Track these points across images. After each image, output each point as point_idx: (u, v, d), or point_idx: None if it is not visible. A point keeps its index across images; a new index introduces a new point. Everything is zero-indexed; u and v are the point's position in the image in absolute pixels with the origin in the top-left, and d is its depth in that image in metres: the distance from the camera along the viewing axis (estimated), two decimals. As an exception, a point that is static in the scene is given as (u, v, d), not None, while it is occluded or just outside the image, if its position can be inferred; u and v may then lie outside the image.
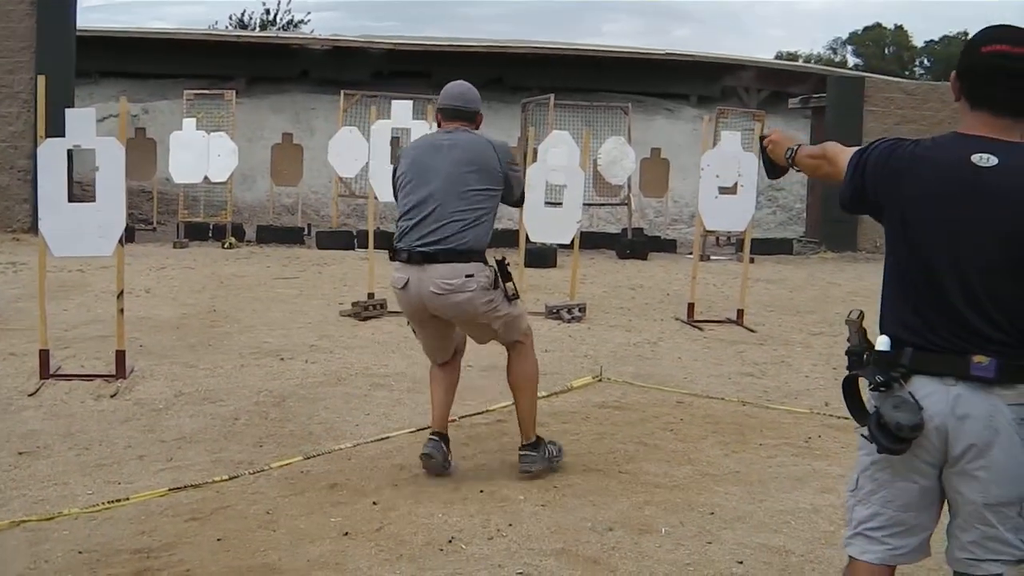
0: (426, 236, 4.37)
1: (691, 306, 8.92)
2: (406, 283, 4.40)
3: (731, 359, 7.42)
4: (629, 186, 15.25)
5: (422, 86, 17.76)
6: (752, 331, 8.51)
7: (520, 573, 3.56)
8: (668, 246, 15.41)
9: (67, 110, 6.10)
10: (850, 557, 2.60)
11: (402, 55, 19.80)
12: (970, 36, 2.52)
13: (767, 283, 11.70)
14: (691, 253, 12.10)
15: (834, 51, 54.89)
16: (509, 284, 4.52)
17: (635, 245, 14.35)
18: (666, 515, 4.15)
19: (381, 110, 9.85)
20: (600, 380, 6.45)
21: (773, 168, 3.04)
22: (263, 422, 5.46)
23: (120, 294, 6.24)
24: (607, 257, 14.08)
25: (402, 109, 8.81)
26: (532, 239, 9.53)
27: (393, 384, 6.32)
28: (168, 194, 15.93)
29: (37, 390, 5.88)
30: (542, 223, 9.10)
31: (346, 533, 3.90)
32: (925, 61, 51.97)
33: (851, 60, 52.02)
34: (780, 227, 18.59)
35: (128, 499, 4.24)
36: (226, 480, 4.52)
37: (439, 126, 4.69)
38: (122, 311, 6.23)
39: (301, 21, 35.67)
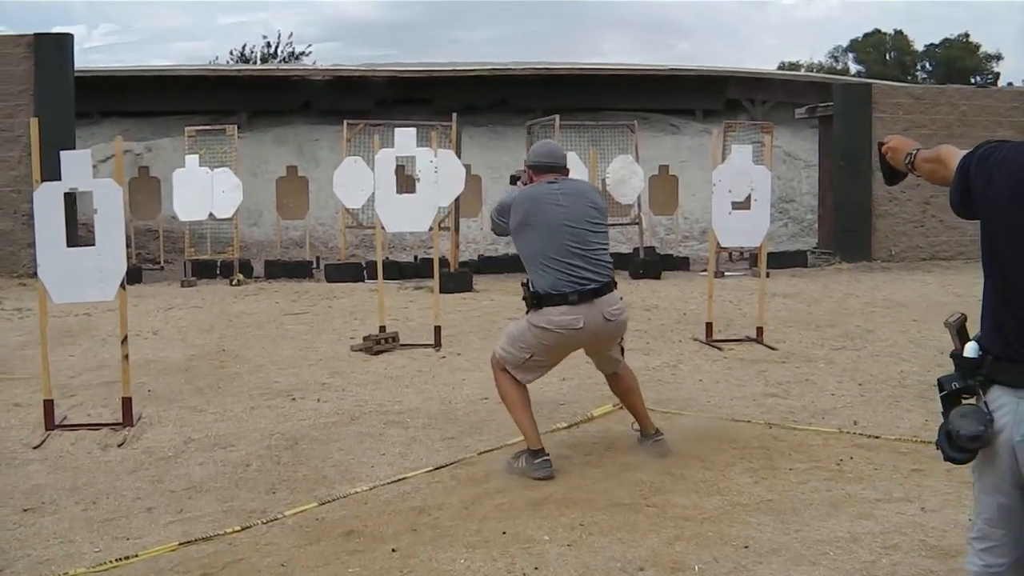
0: (587, 274, 4.88)
1: (709, 326, 8.73)
2: (583, 323, 4.85)
3: (753, 379, 7.23)
4: (639, 205, 15.08)
5: (426, 112, 17.70)
6: (773, 348, 8.31)
7: (549, 623, 3.38)
8: (681, 264, 15.21)
9: (62, 152, 5.96)
10: None
11: (404, 82, 19.72)
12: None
13: (783, 297, 11.51)
14: (704, 270, 11.94)
15: (836, 59, 54.82)
16: None
17: (648, 265, 14.15)
18: (698, 551, 3.96)
19: (385, 139, 9.73)
20: (621, 408, 6.25)
21: (893, 174, 3.02)
22: (275, 467, 5.28)
23: (124, 340, 6.09)
24: (620, 277, 13.66)
25: (405, 137, 8.66)
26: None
27: (408, 421, 6.14)
28: (174, 232, 15.83)
29: (42, 442, 5.73)
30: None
31: (364, 585, 3.72)
32: (927, 65, 51.90)
33: (852, 67, 51.96)
34: (792, 239, 18.40)
35: (137, 555, 4.08)
36: (238, 531, 4.34)
37: (530, 181, 5.24)
38: (127, 357, 6.08)
39: (302, 53, 35.78)
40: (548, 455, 4.97)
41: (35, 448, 5.62)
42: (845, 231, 15.81)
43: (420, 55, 72.13)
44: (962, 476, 4.82)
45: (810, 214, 18.95)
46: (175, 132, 17.47)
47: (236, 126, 15.41)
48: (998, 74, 48.34)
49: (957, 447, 2.27)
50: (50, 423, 5.95)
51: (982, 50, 50.13)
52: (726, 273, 14.12)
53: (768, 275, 9.47)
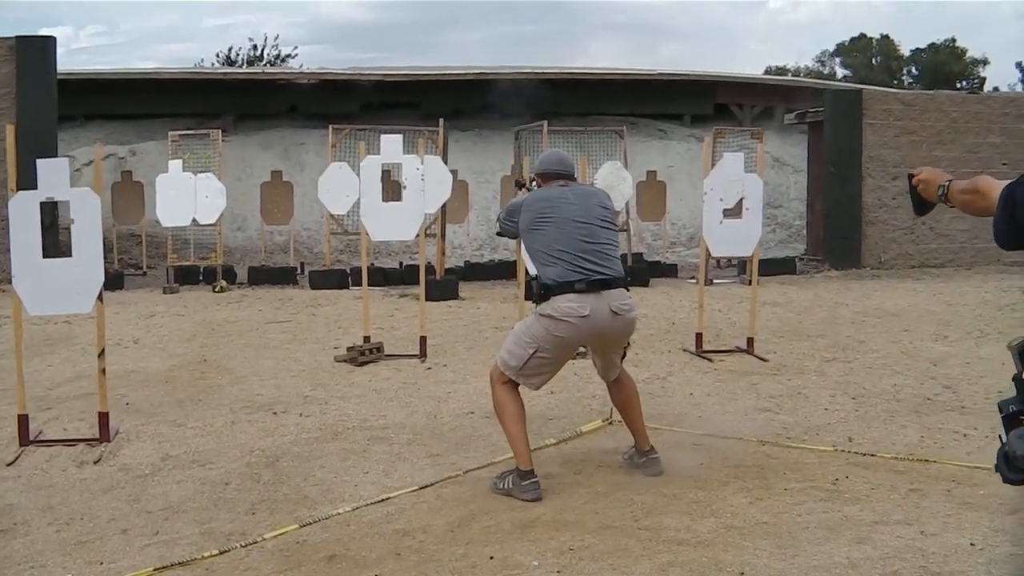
0: (594, 266, 4.87)
1: (699, 336, 8.60)
2: (588, 311, 4.81)
3: (745, 392, 7.10)
4: (627, 211, 14.96)
5: (412, 116, 17.55)
6: (764, 360, 8.19)
7: (539, 658, 3.24)
8: (669, 271, 15.12)
9: (38, 160, 5.81)
10: None
11: (391, 86, 19.58)
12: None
13: (773, 306, 11.40)
14: (692, 278, 11.82)
15: (822, 63, 54.97)
16: None
17: (636, 272, 14.01)
18: (692, 578, 3.83)
19: (370, 144, 9.58)
20: (611, 423, 6.13)
21: (922, 205, 3.02)
22: (255, 486, 5.12)
23: (101, 353, 5.92)
24: (607, 284, 13.72)
25: (391, 144, 8.51)
26: (532, 271, 9.20)
27: (392, 437, 5.99)
28: (157, 237, 15.65)
29: (16, 459, 5.55)
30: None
31: (346, 616, 3.57)
32: (913, 70, 52.08)
33: (839, 72, 52.07)
34: (780, 245, 18.32)
35: (110, 582, 3.92)
36: (216, 555, 4.18)
37: (538, 187, 5.32)
38: (104, 371, 5.91)
39: (288, 56, 35.62)
40: (537, 477, 4.84)
41: (8, 465, 5.45)
42: (834, 238, 15.72)
43: (408, 59, 72.03)
44: (962, 497, 4.73)
45: (798, 220, 18.89)
46: (160, 136, 17.29)
47: (220, 131, 15.25)
48: (984, 79, 48.53)
49: (1016, 469, 2.25)
50: (24, 438, 5.77)
51: (968, 55, 50.36)
52: (715, 280, 14.01)
53: (758, 283, 9.35)
